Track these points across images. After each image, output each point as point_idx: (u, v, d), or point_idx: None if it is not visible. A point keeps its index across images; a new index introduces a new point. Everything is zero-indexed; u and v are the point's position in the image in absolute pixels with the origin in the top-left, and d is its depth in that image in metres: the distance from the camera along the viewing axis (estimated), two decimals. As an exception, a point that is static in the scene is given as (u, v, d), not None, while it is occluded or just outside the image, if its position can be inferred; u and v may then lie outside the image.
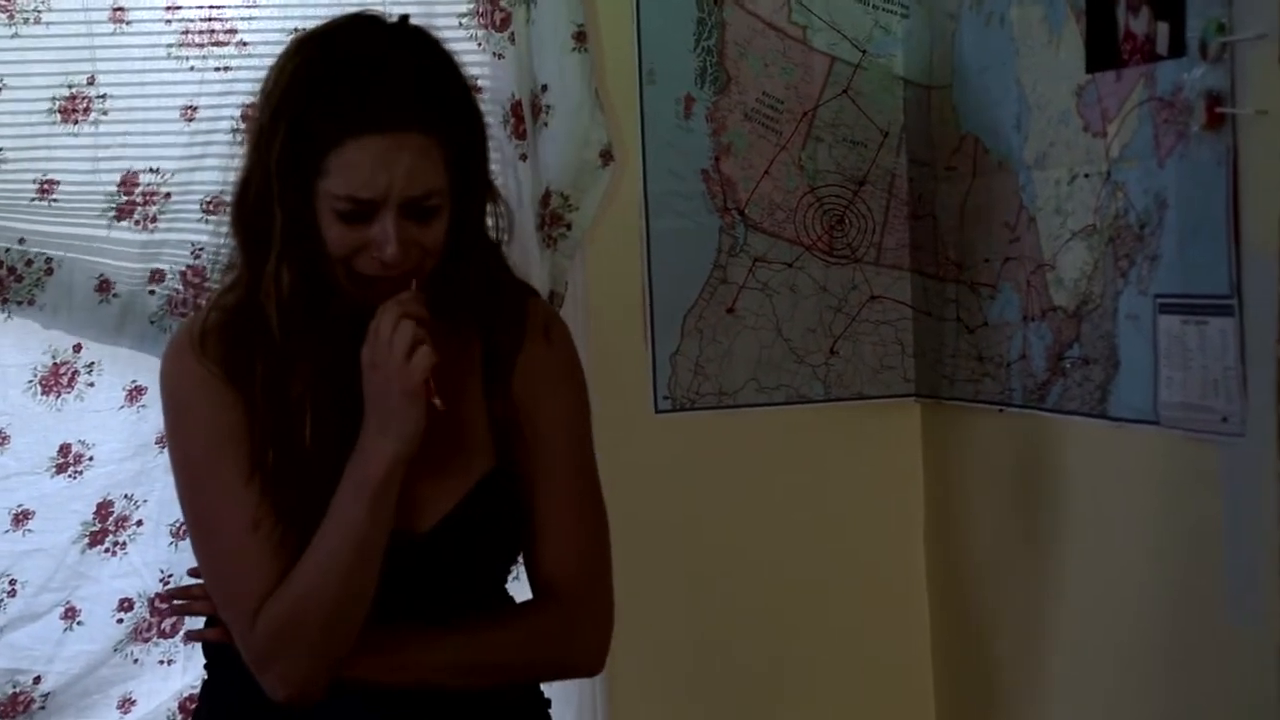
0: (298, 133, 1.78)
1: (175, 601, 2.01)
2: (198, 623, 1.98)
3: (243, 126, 2.58)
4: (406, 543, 1.84)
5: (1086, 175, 2.35)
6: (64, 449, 2.60)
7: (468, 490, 1.87)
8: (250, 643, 1.81)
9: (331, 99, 1.77)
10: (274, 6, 2.62)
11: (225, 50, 2.61)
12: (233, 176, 1.89)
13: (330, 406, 1.81)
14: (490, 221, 1.91)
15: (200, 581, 1.94)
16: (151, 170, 2.59)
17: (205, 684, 2.00)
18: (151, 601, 2.62)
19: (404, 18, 1.87)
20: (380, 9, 2.54)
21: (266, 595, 1.80)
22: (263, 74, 2.51)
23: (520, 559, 1.96)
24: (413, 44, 1.84)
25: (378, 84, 1.77)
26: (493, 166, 2.62)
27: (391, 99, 1.77)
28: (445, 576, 1.88)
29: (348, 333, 1.81)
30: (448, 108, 1.81)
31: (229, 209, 1.89)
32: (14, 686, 2.58)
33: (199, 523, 1.87)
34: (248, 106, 2.58)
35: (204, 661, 1.99)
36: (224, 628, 1.88)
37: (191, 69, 2.61)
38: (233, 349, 1.84)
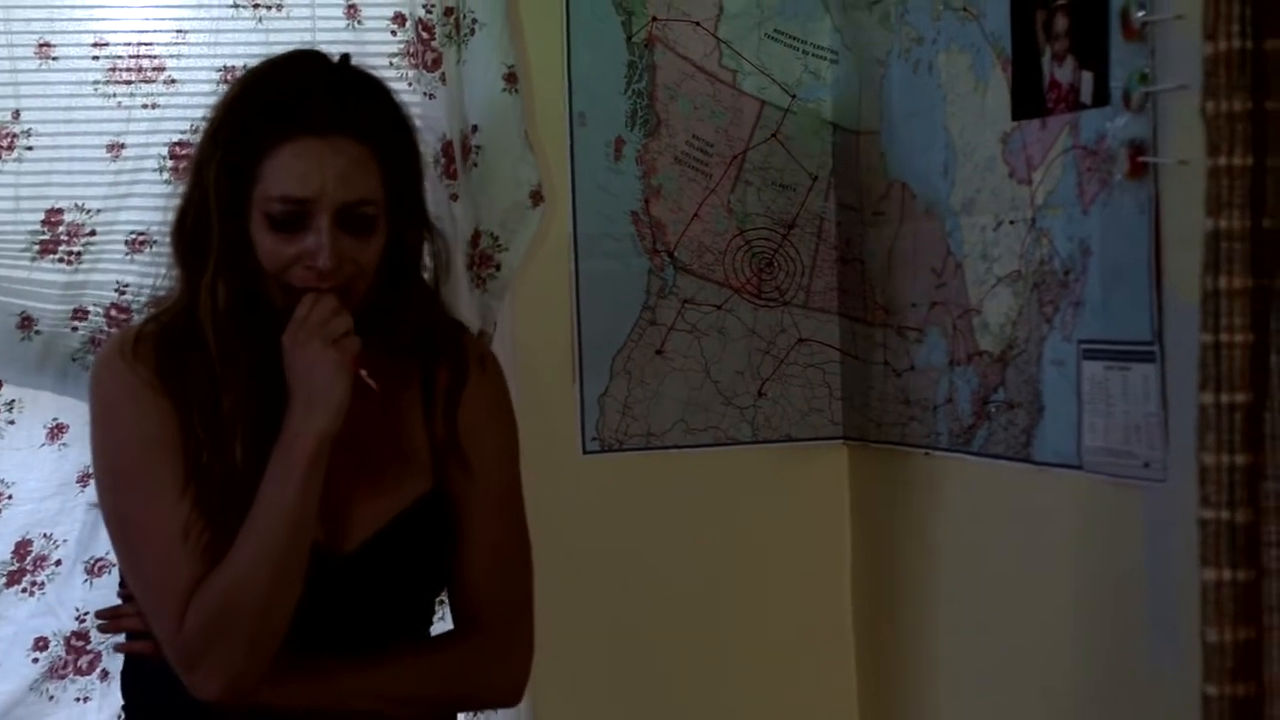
0: (234, 146, 1.81)
1: (102, 622, 1.99)
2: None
3: (170, 164, 2.57)
4: (334, 560, 1.85)
5: (1012, 222, 2.37)
6: (-18, 487, 2.57)
7: (399, 511, 1.89)
8: (179, 640, 1.80)
9: (267, 110, 1.82)
10: (203, 44, 2.61)
11: (153, 87, 2.59)
12: (165, 216, 1.91)
13: (261, 422, 1.82)
14: (428, 261, 1.93)
15: (119, 604, 1.94)
16: (76, 207, 2.57)
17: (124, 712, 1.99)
18: (67, 640, 2.58)
19: (345, 57, 1.91)
20: (312, 47, 2.57)
21: (193, 594, 1.79)
22: (191, 112, 2.55)
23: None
24: (351, 72, 1.89)
25: (314, 94, 1.82)
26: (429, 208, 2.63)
27: (326, 106, 1.81)
28: (371, 596, 1.88)
29: (280, 350, 1.83)
30: (383, 125, 1.86)
31: (169, 233, 1.90)
32: (-72, 729, 2.54)
33: (126, 527, 1.86)
34: (176, 144, 2.57)
35: (121, 702, 1.99)
36: (152, 641, 1.86)
37: (119, 105, 2.58)
38: (166, 358, 1.85)
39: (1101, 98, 2.16)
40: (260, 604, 1.78)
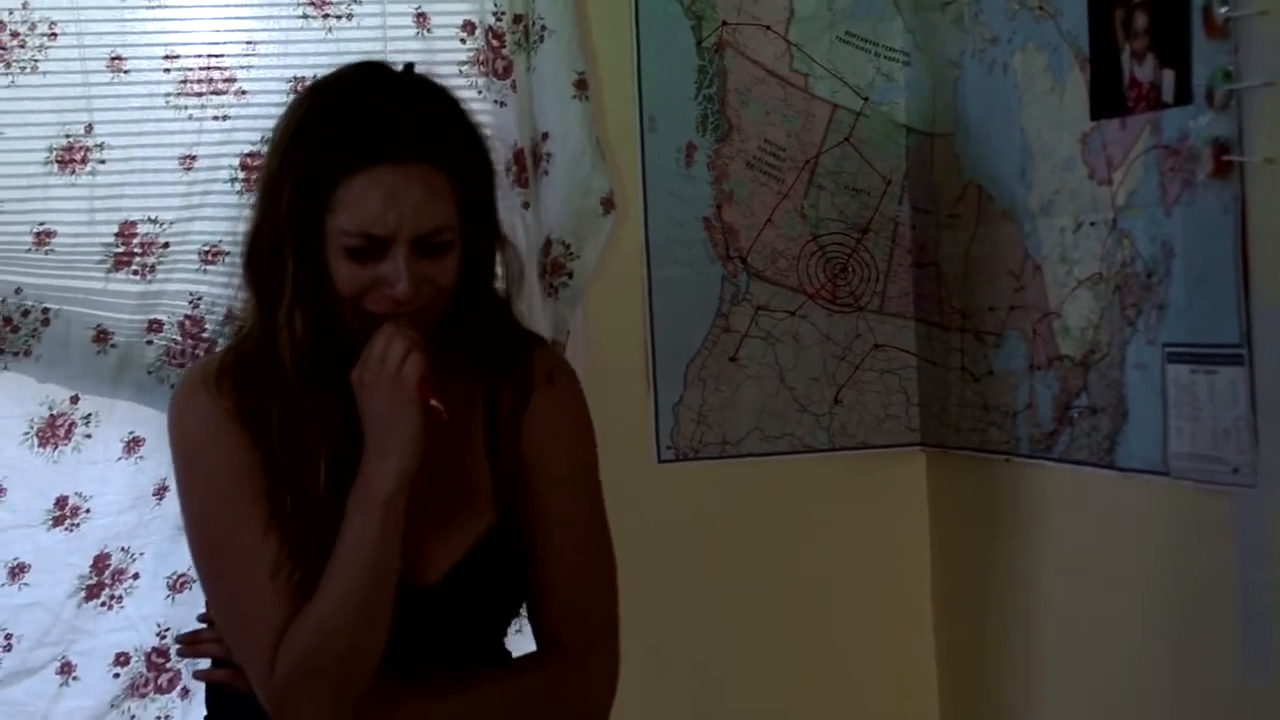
0: (306, 174, 1.78)
1: (181, 646, 1.99)
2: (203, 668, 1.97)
3: (242, 175, 2.57)
4: (413, 595, 1.82)
5: (1092, 223, 2.34)
6: (61, 501, 2.58)
7: (471, 543, 1.86)
8: (271, 683, 1.79)
9: (338, 136, 1.77)
10: (273, 55, 2.61)
11: (224, 99, 2.60)
12: (236, 226, 1.89)
13: (343, 453, 1.80)
14: (500, 271, 1.90)
15: (204, 627, 1.93)
16: (149, 220, 2.58)
17: None
18: (148, 656, 2.59)
19: (409, 66, 1.87)
20: (382, 57, 2.58)
21: (283, 636, 1.78)
22: (262, 123, 2.55)
23: (523, 611, 1.95)
24: (419, 86, 1.85)
25: (384, 119, 1.77)
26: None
27: (398, 132, 1.77)
28: (451, 629, 1.86)
29: None
30: (455, 144, 1.81)
31: (240, 259, 1.87)
32: (9, 743, 2.56)
33: (213, 566, 1.85)
34: (247, 155, 2.58)
35: (204, 714, 1.97)
36: (231, 669, 1.86)
37: (190, 118, 2.59)
38: (247, 391, 1.83)
39: (1184, 96, 2.12)
40: (346, 647, 1.77)
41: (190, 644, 1.95)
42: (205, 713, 1.98)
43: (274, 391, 1.81)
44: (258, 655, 1.79)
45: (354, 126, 1.77)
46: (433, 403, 1.78)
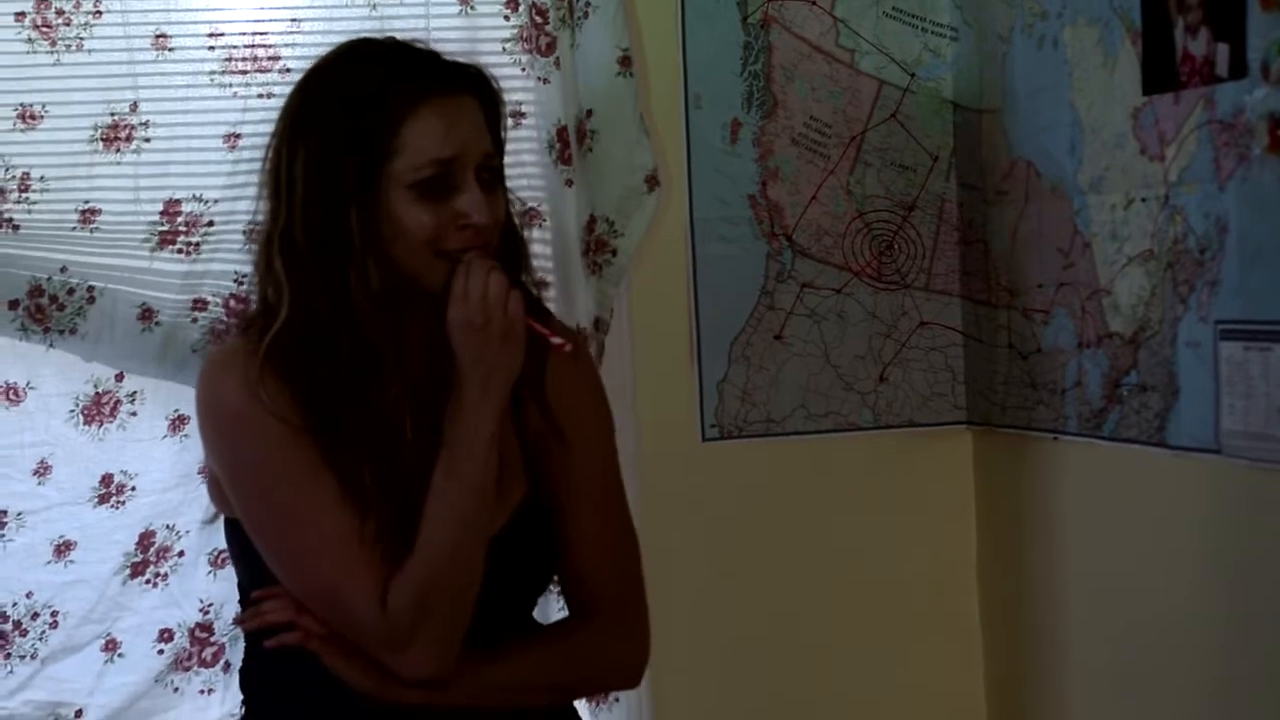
0: (360, 128, 1.80)
1: (244, 620, 1.96)
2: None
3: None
4: None
5: (1144, 199, 2.31)
6: (106, 479, 2.59)
7: (509, 514, 1.88)
8: (384, 625, 1.78)
9: (390, 80, 1.82)
10: (317, 33, 2.60)
11: (269, 76, 2.59)
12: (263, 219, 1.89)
13: (425, 402, 1.81)
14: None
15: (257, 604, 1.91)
16: (194, 198, 2.58)
17: (244, 716, 1.98)
18: (192, 631, 2.60)
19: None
20: (424, 34, 2.58)
21: (386, 580, 1.78)
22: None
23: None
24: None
25: (423, 59, 1.85)
26: (537, 193, 2.63)
27: (444, 67, 1.85)
28: (488, 601, 1.86)
29: (430, 328, 1.81)
30: (486, 82, 1.89)
31: (274, 246, 1.85)
32: (55, 719, 2.57)
33: (296, 558, 1.83)
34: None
35: (240, 700, 1.98)
36: (300, 632, 1.83)
37: (234, 95, 2.59)
38: (295, 381, 1.81)
39: (1238, 70, 2.10)
40: (463, 577, 1.79)
41: (252, 617, 1.89)
42: (241, 698, 1.98)
43: (340, 361, 1.79)
44: (364, 607, 1.77)
45: (402, 70, 1.82)
46: (555, 339, 1.81)
